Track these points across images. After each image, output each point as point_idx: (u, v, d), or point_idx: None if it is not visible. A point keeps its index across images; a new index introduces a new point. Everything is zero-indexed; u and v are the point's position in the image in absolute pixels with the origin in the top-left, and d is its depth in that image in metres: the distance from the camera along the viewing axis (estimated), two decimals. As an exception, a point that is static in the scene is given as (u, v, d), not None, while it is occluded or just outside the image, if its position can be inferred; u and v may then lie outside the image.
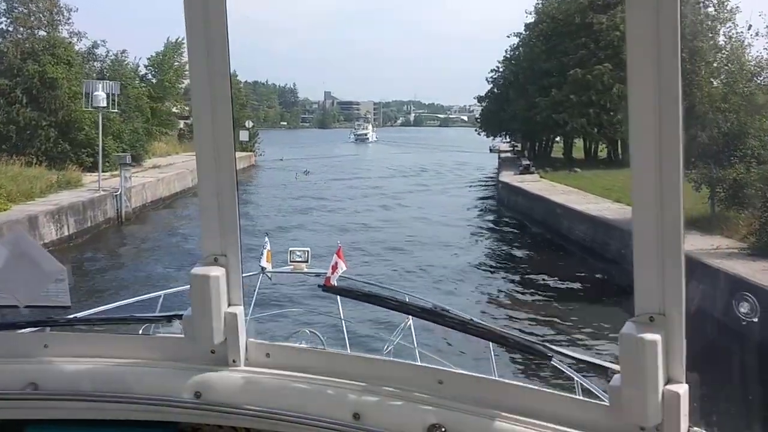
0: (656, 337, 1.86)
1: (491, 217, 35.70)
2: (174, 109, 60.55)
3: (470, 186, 49.65)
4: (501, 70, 59.25)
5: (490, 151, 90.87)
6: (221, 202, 2.31)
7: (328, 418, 2.19)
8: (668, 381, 1.90)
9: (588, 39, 43.82)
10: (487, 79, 60.45)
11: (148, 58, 58.22)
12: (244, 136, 61.01)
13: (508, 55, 58.06)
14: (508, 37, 56.42)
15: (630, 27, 1.79)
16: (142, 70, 57.71)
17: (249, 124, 60.71)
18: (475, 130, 67.96)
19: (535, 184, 35.70)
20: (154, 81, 57.43)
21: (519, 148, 66.16)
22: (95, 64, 43.12)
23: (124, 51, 45.77)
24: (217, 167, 2.28)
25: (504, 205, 37.87)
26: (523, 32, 54.37)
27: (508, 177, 41.17)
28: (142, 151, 40.82)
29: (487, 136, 68.20)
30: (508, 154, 65.33)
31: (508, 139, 75.87)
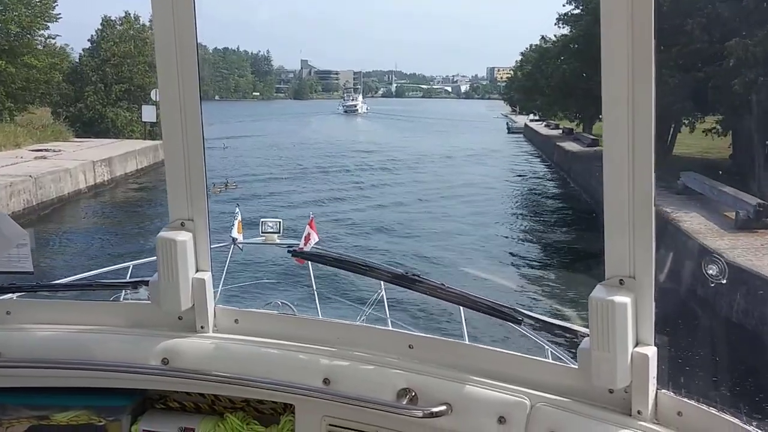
0: (626, 299, 1.87)
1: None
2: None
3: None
4: None
5: (509, 131, 68.26)
6: (189, 166, 2.26)
7: (298, 383, 2.19)
8: (637, 343, 1.90)
9: None
10: (559, 19, 36.38)
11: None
12: (148, 114, 37.80)
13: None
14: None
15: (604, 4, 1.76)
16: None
17: (155, 95, 35.66)
18: (533, 114, 44.00)
19: None
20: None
21: (579, 131, 43.00)
22: None
23: None
24: (184, 131, 2.23)
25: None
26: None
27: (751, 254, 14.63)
28: None
29: (571, 120, 44.03)
30: (573, 144, 41.31)
31: (538, 117, 52.50)
